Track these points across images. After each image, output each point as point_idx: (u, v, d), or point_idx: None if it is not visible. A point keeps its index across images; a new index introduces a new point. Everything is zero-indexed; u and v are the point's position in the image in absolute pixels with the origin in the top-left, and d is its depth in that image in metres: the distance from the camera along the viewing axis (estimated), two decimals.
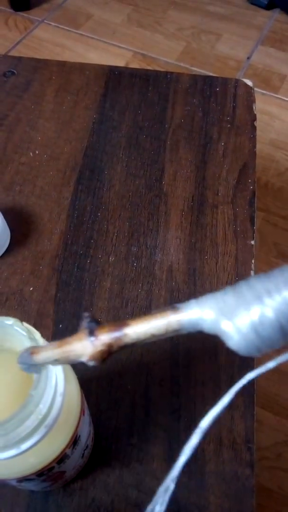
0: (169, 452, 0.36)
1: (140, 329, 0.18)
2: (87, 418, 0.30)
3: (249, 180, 0.51)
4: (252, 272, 0.45)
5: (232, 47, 1.52)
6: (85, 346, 0.18)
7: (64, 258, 0.45)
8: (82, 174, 0.51)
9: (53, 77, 0.60)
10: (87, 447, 0.32)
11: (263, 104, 1.36)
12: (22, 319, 0.42)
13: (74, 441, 0.27)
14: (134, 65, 1.44)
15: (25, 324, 0.22)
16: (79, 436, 0.28)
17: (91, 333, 0.19)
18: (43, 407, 0.21)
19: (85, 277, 0.44)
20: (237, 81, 0.60)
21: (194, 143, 0.54)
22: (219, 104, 0.57)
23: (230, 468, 0.36)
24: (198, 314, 0.18)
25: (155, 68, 1.44)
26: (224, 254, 0.46)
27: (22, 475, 0.24)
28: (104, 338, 0.18)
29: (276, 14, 1.62)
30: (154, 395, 0.38)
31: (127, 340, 0.18)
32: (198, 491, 0.35)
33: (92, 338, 0.18)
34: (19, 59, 0.62)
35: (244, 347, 0.18)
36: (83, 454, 0.31)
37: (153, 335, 0.19)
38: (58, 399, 0.22)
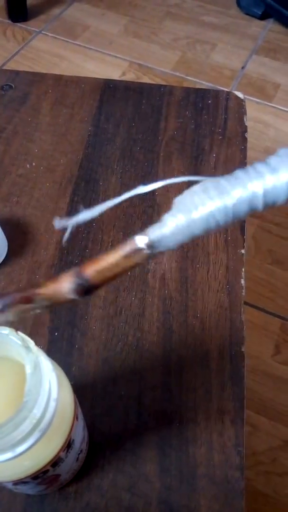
0: (162, 456, 0.37)
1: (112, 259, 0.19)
2: (80, 422, 0.31)
3: None
4: (242, 281, 0.46)
5: (227, 57, 1.54)
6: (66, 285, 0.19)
7: (60, 268, 0.47)
8: (78, 186, 0.52)
9: (50, 91, 0.62)
10: (81, 451, 0.33)
11: (257, 112, 1.38)
12: (18, 328, 0.44)
13: (68, 444, 0.28)
14: (131, 74, 1.46)
15: (19, 333, 0.23)
16: (73, 440, 0.29)
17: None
18: (37, 412, 0.22)
19: None
20: (228, 93, 0.61)
21: (187, 155, 0.55)
22: (211, 116, 0.59)
23: (221, 472, 0.37)
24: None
25: (151, 77, 1.46)
26: (215, 262, 0.47)
27: (18, 478, 0.26)
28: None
29: (270, 24, 1.65)
30: (147, 401, 0.39)
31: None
32: (189, 494, 0.36)
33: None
34: (17, 72, 0.64)
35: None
36: (77, 458, 0.33)
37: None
38: (52, 404, 0.24)
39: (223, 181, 0.19)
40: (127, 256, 0.20)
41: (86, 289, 0.20)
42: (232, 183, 0.19)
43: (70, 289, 0.20)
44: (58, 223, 0.21)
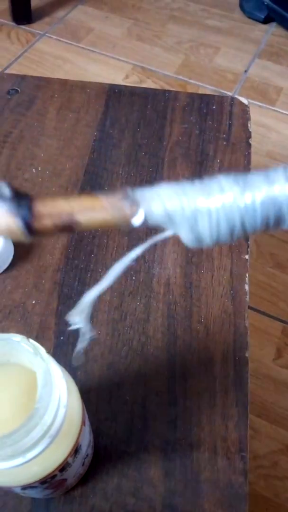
0: (166, 460, 0.38)
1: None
2: (87, 428, 0.32)
3: None
4: (246, 286, 0.46)
5: (230, 60, 1.54)
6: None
7: (65, 272, 0.47)
8: (83, 190, 0.53)
9: (55, 95, 0.62)
10: (87, 455, 0.34)
11: (260, 116, 1.38)
12: (24, 331, 0.44)
13: (76, 450, 0.28)
14: (134, 77, 1.46)
15: (31, 340, 0.24)
16: (80, 445, 0.29)
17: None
18: (47, 419, 0.23)
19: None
20: (232, 99, 0.62)
21: (191, 160, 0.56)
22: (215, 121, 0.59)
23: (224, 476, 0.37)
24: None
25: (154, 80, 1.46)
26: (219, 268, 0.47)
27: (27, 482, 0.26)
28: None
29: (273, 28, 1.65)
30: (152, 405, 0.40)
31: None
32: (193, 498, 0.36)
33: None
34: (23, 77, 0.64)
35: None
36: (83, 463, 0.33)
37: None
38: (61, 411, 0.24)
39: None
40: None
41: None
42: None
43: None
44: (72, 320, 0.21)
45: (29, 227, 0.19)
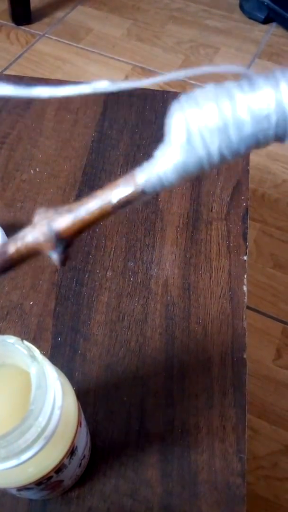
0: (163, 461, 0.37)
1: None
2: (84, 429, 0.32)
3: (242, 197, 0.52)
4: (244, 287, 0.46)
5: (230, 61, 1.54)
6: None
7: (63, 273, 0.47)
8: (81, 192, 0.53)
9: None
10: (84, 457, 0.34)
11: None
12: (22, 332, 0.44)
13: (72, 451, 0.28)
14: (133, 78, 1.46)
15: (25, 342, 0.24)
16: (76, 446, 0.29)
17: None
18: (42, 420, 0.23)
19: (83, 292, 0.46)
20: None
21: None
22: None
23: (222, 478, 0.37)
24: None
25: None
26: (217, 269, 0.47)
27: (22, 484, 0.26)
28: None
29: (273, 28, 1.65)
30: (149, 407, 0.40)
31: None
32: (191, 499, 0.36)
33: None
34: (21, 78, 0.64)
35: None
36: (80, 464, 0.33)
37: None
38: (56, 412, 0.24)
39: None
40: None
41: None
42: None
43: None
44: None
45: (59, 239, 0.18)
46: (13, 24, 1.61)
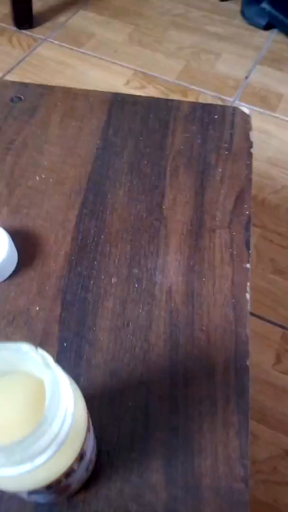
0: (168, 466, 0.38)
1: None
2: (91, 434, 0.32)
3: (245, 206, 0.53)
4: (247, 295, 0.47)
5: (231, 67, 1.55)
6: None
7: (68, 279, 0.48)
8: (86, 198, 0.54)
9: (59, 103, 0.63)
10: (91, 461, 0.34)
11: (260, 122, 1.39)
12: (28, 337, 0.45)
13: (81, 456, 0.29)
14: (135, 83, 1.47)
15: (39, 350, 0.24)
16: (85, 451, 0.30)
17: None
18: (55, 427, 0.23)
19: (89, 298, 0.47)
20: (234, 109, 0.63)
21: (193, 169, 0.56)
22: (217, 131, 0.60)
23: (225, 483, 0.38)
24: None
25: (155, 86, 1.47)
26: (221, 276, 0.48)
27: (33, 487, 0.27)
28: None
29: (274, 34, 1.66)
30: (154, 412, 0.40)
31: None
32: (195, 505, 0.37)
33: None
34: (26, 85, 0.65)
35: None
36: (87, 468, 0.34)
37: None
38: (69, 418, 0.25)
39: None
40: None
41: None
42: None
43: None
44: None
45: None
46: (15, 28, 1.62)
